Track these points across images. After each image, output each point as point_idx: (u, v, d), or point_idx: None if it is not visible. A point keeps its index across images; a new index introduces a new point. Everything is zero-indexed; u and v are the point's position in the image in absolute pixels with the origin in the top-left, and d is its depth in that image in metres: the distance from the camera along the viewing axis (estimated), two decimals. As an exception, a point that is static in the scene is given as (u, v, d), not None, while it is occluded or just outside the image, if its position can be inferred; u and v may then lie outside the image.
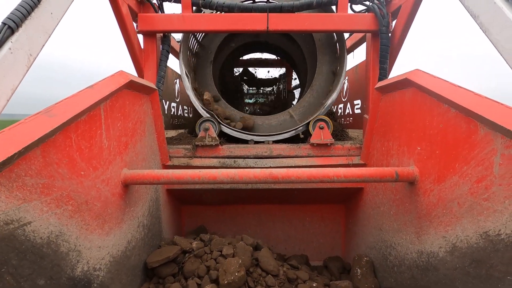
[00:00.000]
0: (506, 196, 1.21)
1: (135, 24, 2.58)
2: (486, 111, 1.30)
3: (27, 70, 1.45)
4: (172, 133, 3.46)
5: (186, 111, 4.46)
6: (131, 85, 1.97)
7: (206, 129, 2.71)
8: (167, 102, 3.64)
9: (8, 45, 1.34)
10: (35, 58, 1.50)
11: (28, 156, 1.10)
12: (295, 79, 6.24)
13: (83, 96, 1.46)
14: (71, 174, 1.37)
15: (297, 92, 6.12)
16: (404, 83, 1.98)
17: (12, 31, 1.36)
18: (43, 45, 1.55)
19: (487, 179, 1.31)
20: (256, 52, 5.41)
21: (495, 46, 1.57)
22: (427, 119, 1.77)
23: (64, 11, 1.73)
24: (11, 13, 1.38)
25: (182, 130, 3.89)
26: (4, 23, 1.33)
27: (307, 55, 3.46)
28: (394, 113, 2.20)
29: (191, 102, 2.96)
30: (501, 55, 1.53)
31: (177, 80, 3.98)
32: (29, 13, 1.45)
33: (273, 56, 5.87)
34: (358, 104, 3.45)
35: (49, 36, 1.61)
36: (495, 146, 1.27)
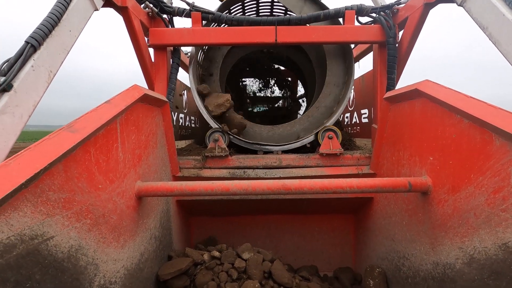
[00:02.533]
0: (525, 208, 1.21)
1: (146, 38, 2.64)
2: (501, 122, 1.31)
3: (48, 86, 1.49)
4: (180, 143, 3.49)
5: (193, 121, 4.50)
6: (144, 99, 2.01)
7: (216, 140, 2.74)
8: (175, 113, 3.68)
9: (30, 62, 1.38)
10: (55, 74, 1.54)
11: (51, 172, 1.12)
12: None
13: (102, 111, 1.49)
14: (89, 188, 1.39)
15: (302, 101, 6.16)
16: (414, 93, 2.00)
17: (34, 49, 1.40)
18: (62, 61, 1.60)
19: (504, 190, 1.31)
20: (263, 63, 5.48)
21: (505, 57, 1.59)
22: (439, 129, 1.78)
23: (81, 29, 1.79)
24: (33, 32, 1.43)
25: (190, 141, 3.92)
26: (27, 42, 1.38)
27: (315, 65, 3.50)
28: (404, 123, 2.21)
29: (199, 113, 2.99)
30: (511, 64, 1.55)
31: (185, 92, 4.04)
32: (50, 32, 1.49)
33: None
34: (365, 113, 3.47)
35: (68, 53, 1.65)
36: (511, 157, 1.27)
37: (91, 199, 1.40)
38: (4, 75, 1.26)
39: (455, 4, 2.00)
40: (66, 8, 1.63)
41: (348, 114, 4.18)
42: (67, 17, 1.64)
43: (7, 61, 1.31)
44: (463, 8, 1.92)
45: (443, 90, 1.75)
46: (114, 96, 1.67)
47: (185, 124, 4.05)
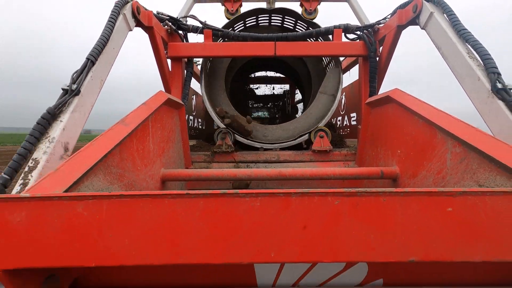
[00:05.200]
0: (455, 182, 1.65)
1: (165, 51, 3.11)
2: (441, 121, 1.76)
3: (99, 91, 1.95)
4: (190, 142, 3.94)
5: (200, 123, 4.96)
6: (167, 102, 2.46)
7: (223, 138, 3.19)
8: (186, 115, 4.13)
9: (90, 74, 1.84)
10: (104, 82, 2.00)
11: (113, 153, 1.57)
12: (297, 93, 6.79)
13: (141, 111, 1.95)
14: (133, 168, 1.83)
15: (300, 106, 6.63)
16: (387, 99, 2.46)
17: (93, 63, 1.86)
18: (109, 72, 2.06)
19: (443, 171, 1.75)
20: (264, 70, 5.97)
21: (452, 71, 2.05)
22: (404, 128, 2.23)
23: (120, 46, 2.25)
24: (92, 50, 1.88)
25: (196, 140, 4.37)
26: (88, 58, 1.84)
27: (312, 75, 3.97)
28: (381, 123, 2.67)
29: (204, 116, 3.43)
30: (456, 78, 2.01)
31: (194, 96, 4.50)
32: (102, 49, 1.96)
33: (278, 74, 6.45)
34: (354, 116, 3.92)
35: (112, 65, 2.12)
36: (447, 146, 1.72)
37: (133, 177, 1.84)
38: (74, 83, 1.71)
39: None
40: (112, 30, 2.10)
41: (340, 118, 4.64)
42: (112, 37, 2.11)
43: (75, 72, 1.76)
44: (425, 31, 2.38)
45: (406, 97, 2.21)
46: (148, 100, 2.13)
47: (193, 125, 4.50)
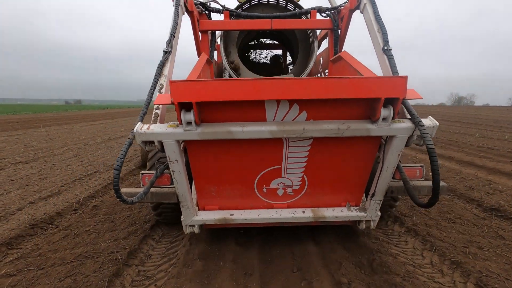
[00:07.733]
0: (361, 97, 3.34)
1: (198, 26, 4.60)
2: (359, 68, 3.40)
3: (176, 53, 3.51)
4: None
5: None
6: (206, 60, 4.04)
7: (237, 86, 4.81)
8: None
9: (172, 42, 3.39)
10: (176, 48, 3.56)
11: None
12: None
13: (198, 64, 3.54)
14: (198, 94, 3.46)
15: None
16: (340, 58, 4.07)
17: (173, 36, 3.39)
18: (177, 43, 3.61)
19: None
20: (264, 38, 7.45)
21: (371, 40, 3.65)
22: (347, 75, 3.87)
23: (180, 24, 3.77)
24: (171, 28, 3.41)
25: None
26: (171, 34, 3.37)
27: (294, 44, 5.51)
28: (338, 74, 4.30)
29: (217, 73, 5.01)
30: (372, 44, 3.62)
31: (210, 59, 6.03)
32: (176, 27, 3.48)
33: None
34: (327, 72, 5.54)
35: (178, 38, 3.65)
36: (360, 80, 3.38)
37: None
38: (167, 47, 3.27)
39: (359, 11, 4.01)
40: (178, 15, 3.60)
41: (319, 74, 6.24)
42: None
43: (168, 41, 3.31)
44: (362, 15, 3.93)
45: (348, 57, 3.82)
46: (200, 59, 3.71)
47: (211, 81, 6.09)
